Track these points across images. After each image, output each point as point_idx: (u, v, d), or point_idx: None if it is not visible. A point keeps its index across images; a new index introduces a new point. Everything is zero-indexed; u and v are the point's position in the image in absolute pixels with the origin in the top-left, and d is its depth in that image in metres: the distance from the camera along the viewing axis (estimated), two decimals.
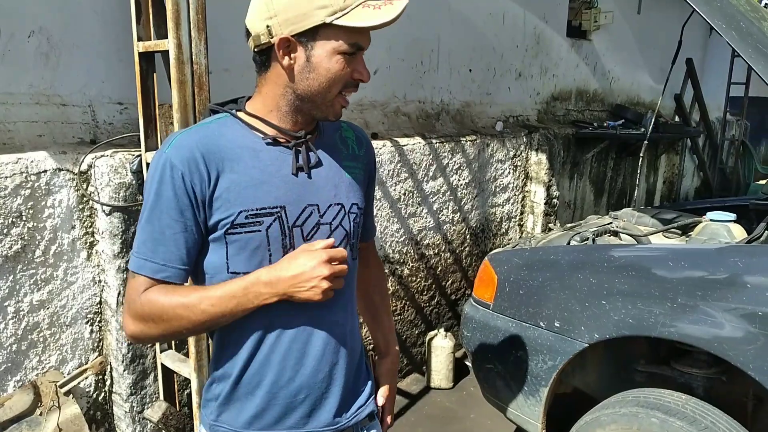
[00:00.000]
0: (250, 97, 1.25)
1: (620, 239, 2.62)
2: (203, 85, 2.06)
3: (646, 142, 3.41)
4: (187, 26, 1.98)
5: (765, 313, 1.75)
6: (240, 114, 1.22)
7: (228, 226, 1.14)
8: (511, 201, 4.45)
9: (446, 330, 3.77)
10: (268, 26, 1.12)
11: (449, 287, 4.00)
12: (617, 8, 5.56)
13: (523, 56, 4.67)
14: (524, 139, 4.44)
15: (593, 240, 2.44)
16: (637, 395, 2.07)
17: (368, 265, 1.53)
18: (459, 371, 3.78)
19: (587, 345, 2.08)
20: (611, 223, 2.70)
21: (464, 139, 3.84)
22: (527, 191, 4.61)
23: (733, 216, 2.32)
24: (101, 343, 2.34)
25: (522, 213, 4.60)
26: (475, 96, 4.28)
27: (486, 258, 2.49)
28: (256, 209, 1.14)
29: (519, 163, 4.43)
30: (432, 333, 3.75)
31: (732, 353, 1.82)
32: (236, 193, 1.14)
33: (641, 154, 3.39)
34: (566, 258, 2.21)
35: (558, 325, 2.17)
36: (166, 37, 2.15)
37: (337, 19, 1.08)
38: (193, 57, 2.02)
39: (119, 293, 2.25)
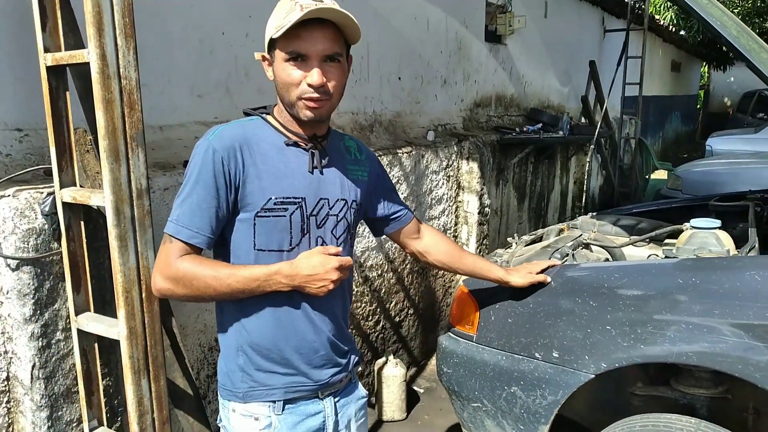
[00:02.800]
0: (275, 105, 1.46)
1: (591, 252, 2.48)
2: (134, 104, 1.68)
3: (593, 147, 3.32)
4: (112, 32, 1.60)
5: None
6: (269, 117, 1.45)
7: (258, 209, 1.35)
8: (446, 212, 4.27)
9: (394, 355, 3.51)
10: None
11: (393, 309, 3.75)
12: (528, 12, 5.55)
13: (447, 62, 4.52)
14: (455, 148, 4.27)
15: (573, 256, 2.27)
16: (644, 423, 1.90)
17: (421, 237, 1.76)
18: (410, 400, 3.54)
19: (593, 376, 1.90)
20: (581, 235, 2.55)
21: (401, 152, 3.61)
22: (460, 201, 4.45)
23: (718, 223, 2.23)
24: (11, 429, 1.87)
25: (456, 224, 4.44)
26: (406, 105, 4.06)
27: (462, 283, 2.26)
28: (283, 197, 1.37)
29: (451, 173, 4.26)
30: (380, 361, 3.47)
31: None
32: (267, 182, 1.36)
33: (588, 160, 3.30)
34: (558, 279, 2.02)
35: (557, 355, 1.96)
36: (81, 47, 1.76)
37: (277, 32, 1.30)
38: (121, 70, 1.64)
39: (33, 365, 1.81)
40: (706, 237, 2.17)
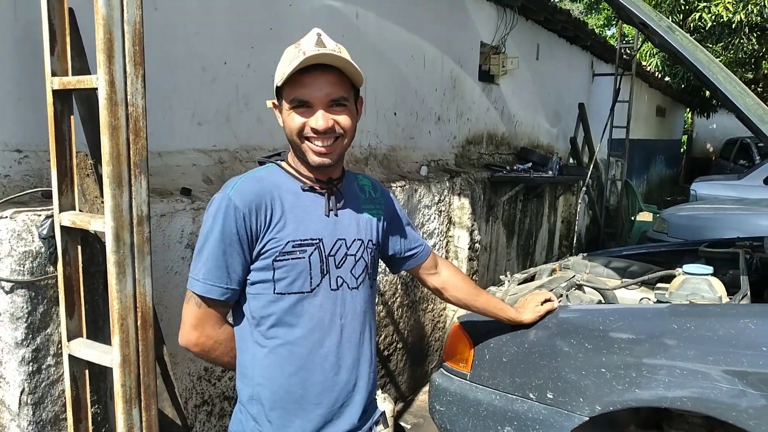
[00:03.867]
0: (289, 152, 1.49)
1: (584, 293, 2.50)
2: (140, 131, 1.68)
3: (585, 188, 3.38)
4: (121, 60, 1.62)
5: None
6: (283, 164, 1.48)
7: (277, 254, 1.36)
8: (437, 247, 4.28)
9: (382, 390, 3.48)
10: None
11: (382, 342, 3.72)
12: (520, 54, 5.67)
13: (441, 100, 4.58)
14: (447, 184, 4.31)
15: (566, 296, 2.29)
16: None
17: (439, 273, 1.76)
18: None
19: (587, 418, 1.89)
20: (574, 276, 2.57)
21: (395, 185, 3.64)
22: (450, 236, 4.47)
23: (710, 269, 2.26)
24: None
25: (447, 259, 4.45)
26: (400, 140, 4.10)
27: (456, 320, 2.26)
28: (300, 240, 1.38)
29: (443, 208, 4.29)
30: None
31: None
32: (283, 227, 1.38)
33: (579, 201, 3.35)
34: (553, 320, 2.02)
35: (551, 396, 1.96)
36: (87, 72, 1.78)
37: (281, 80, 1.34)
38: (129, 97, 1.64)
39: (22, 391, 1.77)
40: (698, 283, 2.20)
